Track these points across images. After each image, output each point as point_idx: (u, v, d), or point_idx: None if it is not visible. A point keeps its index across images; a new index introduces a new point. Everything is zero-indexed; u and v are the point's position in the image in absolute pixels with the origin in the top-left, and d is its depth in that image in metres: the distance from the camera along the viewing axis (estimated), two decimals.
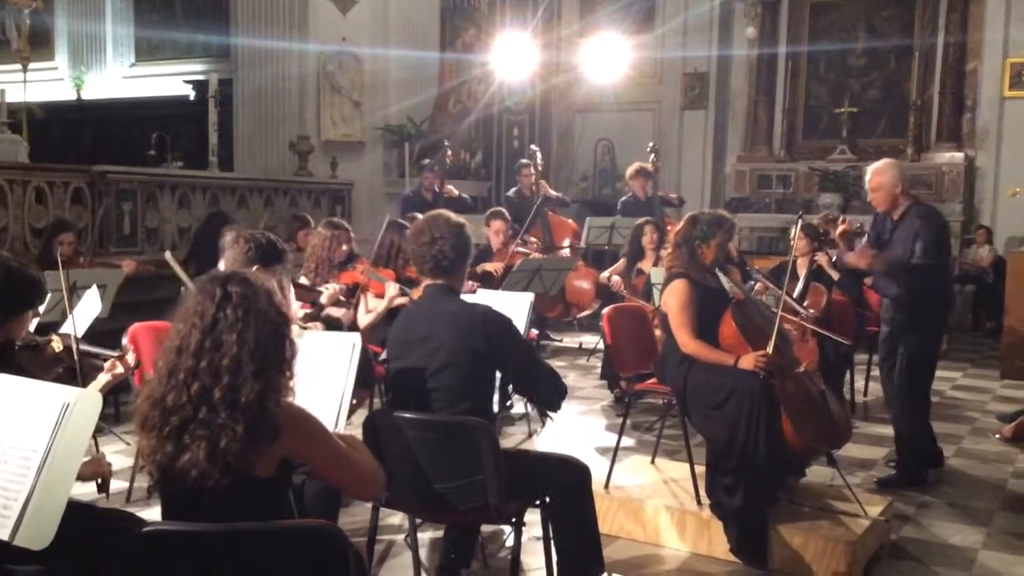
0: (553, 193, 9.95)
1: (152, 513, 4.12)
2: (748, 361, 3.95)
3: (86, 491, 4.66)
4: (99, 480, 2.82)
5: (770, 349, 3.95)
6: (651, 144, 10.02)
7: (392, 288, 5.17)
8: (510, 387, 4.83)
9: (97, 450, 4.03)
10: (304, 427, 2.30)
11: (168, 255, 5.22)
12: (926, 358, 5.05)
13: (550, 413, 6.28)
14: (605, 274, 7.25)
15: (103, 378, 2.98)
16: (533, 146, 10.70)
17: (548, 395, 3.49)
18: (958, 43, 11.81)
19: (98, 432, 4.30)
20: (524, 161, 9.98)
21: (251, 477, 2.17)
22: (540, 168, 9.87)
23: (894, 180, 4.92)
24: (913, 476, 5.07)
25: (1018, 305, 8.16)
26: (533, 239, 8.67)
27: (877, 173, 4.98)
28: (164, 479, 2.23)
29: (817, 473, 4.80)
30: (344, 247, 5.58)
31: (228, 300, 2.22)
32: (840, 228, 5.59)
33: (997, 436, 6.05)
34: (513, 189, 9.92)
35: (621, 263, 7.30)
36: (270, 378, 2.21)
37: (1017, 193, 11.63)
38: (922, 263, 4.80)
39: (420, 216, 6.92)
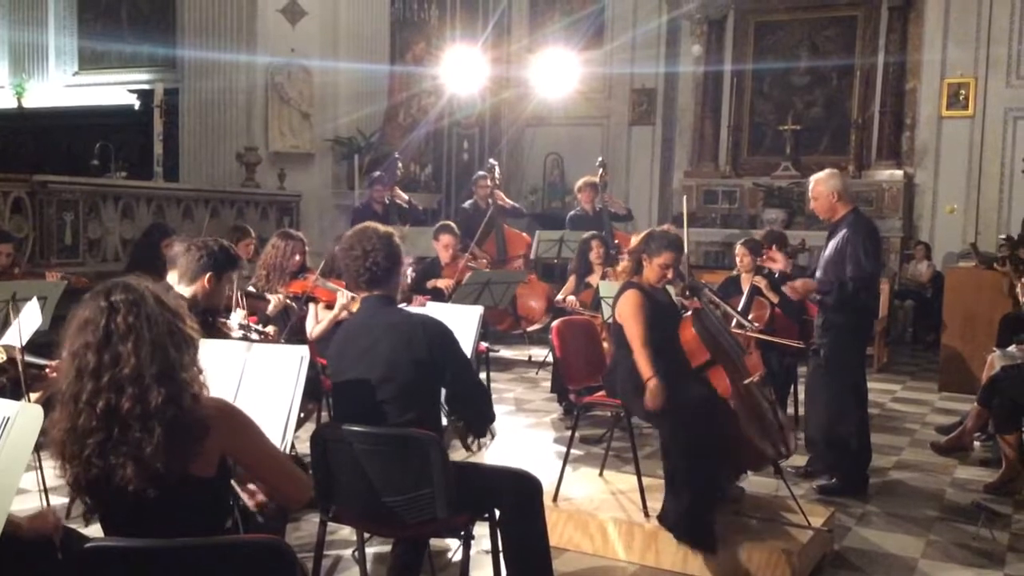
0: (508, 203, 9.99)
1: (93, 529, 4.04)
2: (652, 393, 4.01)
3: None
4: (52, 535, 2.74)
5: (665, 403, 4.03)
6: (599, 159, 10.13)
7: (344, 296, 5.16)
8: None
9: (46, 499, 3.91)
10: (232, 420, 2.28)
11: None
12: (855, 364, 5.22)
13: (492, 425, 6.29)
14: (560, 297, 7.27)
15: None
16: (492, 160, 10.73)
17: (477, 418, 3.49)
18: (898, 63, 12.11)
19: (38, 448, 4.21)
20: (481, 173, 10.01)
21: (191, 476, 2.14)
22: (498, 181, 9.91)
23: (831, 190, 5.15)
24: (856, 481, 5.19)
25: (955, 320, 8.36)
26: (484, 253, 8.69)
27: (818, 183, 5.23)
28: (98, 502, 2.19)
29: (762, 484, 4.87)
30: (297, 257, 5.61)
31: (115, 310, 2.16)
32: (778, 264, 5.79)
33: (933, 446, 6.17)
34: (469, 201, 9.94)
35: (571, 281, 7.33)
36: (176, 378, 2.16)
37: (954, 210, 11.98)
38: (855, 276, 5.00)
39: None
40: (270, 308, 5.09)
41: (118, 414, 2.10)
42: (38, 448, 4.06)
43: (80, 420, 2.13)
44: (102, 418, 2.11)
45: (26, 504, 4.47)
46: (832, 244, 5.14)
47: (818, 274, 5.26)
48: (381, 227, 3.39)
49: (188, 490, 2.15)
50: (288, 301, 5.23)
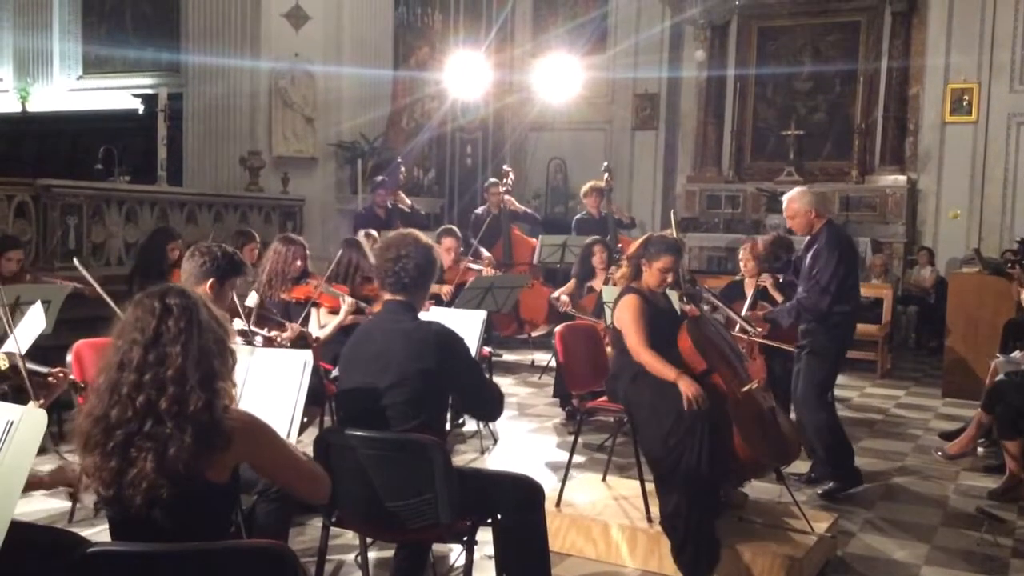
0: (520, 208, 10.01)
1: (96, 532, 4.04)
2: (686, 385, 3.98)
3: (54, 506, 4.57)
4: (70, 491, 2.76)
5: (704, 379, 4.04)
6: (605, 163, 10.16)
7: (348, 303, 5.14)
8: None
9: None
10: (255, 434, 2.31)
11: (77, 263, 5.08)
12: (824, 371, 5.27)
13: (494, 429, 6.31)
14: (555, 294, 7.29)
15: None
16: (506, 166, 10.75)
17: (488, 412, 3.79)
18: (901, 68, 12.12)
19: (41, 452, 4.21)
20: (492, 180, 10.04)
21: (206, 482, 2.18)
22: (511, 186, 9.94)
23: (807, 207, 5.23)
24: (851, 477, 5.22)
25: (959, 325, 8.35)
26: (487, 255, 8.69)
27: (792, 201, 5.29)
28: (110, 496, 2.20)
29: (765, 490, 4.86)
30: (299, 262, 5.56)
31: (169, 312, 2.21)
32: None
33: (939, 454, 6.17)
34: (482, 207, 9.96)
35: (571, 283, 7.34)
36: (215, 387, 2.21)
37: (958, 215, 11.98)
38: (816, 294, 5.08)
39: (373, 232, 6.89)
40: (286, 335, 4.99)
41: (155, 410, 2.14)
42: (40, 453, 4.07)
43: (114, 411, 2.16)
44: (138, 412, 2.15)
45: (29, 507, 4.48)
46: (809, 257, 5.22)
47: (800, 288, 5.30)
48: (424, 237, 3.39)
49: (199, 494, 2.17)
50: (303, 329, 5.16)
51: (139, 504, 2.14)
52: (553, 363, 7.47)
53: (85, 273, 4.58)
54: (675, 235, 4.79)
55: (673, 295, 4.42)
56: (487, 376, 3.93)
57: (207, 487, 2.19)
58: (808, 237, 5.30)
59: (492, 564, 3.40)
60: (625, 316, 4.22)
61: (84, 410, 2.24)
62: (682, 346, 4.15)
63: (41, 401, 3.12)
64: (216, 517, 2.28)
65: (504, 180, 9.86)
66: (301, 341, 4.95)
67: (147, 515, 2.15)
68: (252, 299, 5.28)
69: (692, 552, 3.87)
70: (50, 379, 3.29)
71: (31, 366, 3.24)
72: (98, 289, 4.22)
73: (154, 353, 2.18)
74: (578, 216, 9.60)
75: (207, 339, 2.23)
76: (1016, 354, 6.18)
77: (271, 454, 2.37)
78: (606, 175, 9.68)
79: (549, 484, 4.11)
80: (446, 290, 7.23)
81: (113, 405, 2.17)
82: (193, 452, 2.13)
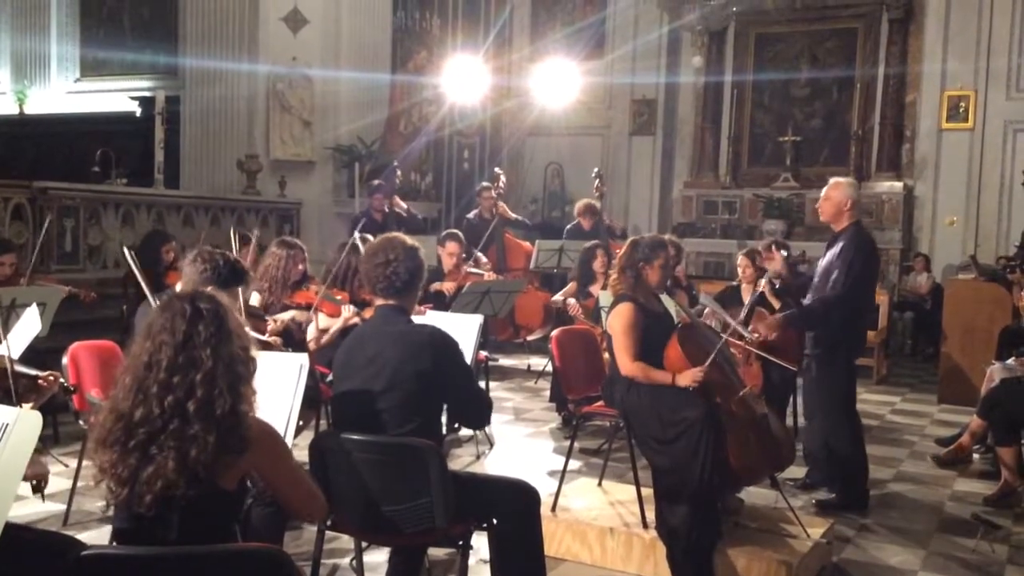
0: (512, 216, 10.01)
1: (90, 536, 4.03)
2: (686, 378, 3.99)
3: (49, 509, 4.55)
4: (34, 481, 2.77)
5: (707, 365, 4.00)
6: (596, 170, 10.15)
7: (348, 309, 5.13)
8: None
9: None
10: (271, 444, 2.35)
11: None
12: (846, 381, 5.21)
13: (490, 434, 6.31)
14: (558, 297, 7.26)
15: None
16: (497, 169, 10.73)
17: (476, 419, 3.76)
18: (898, 75, 12.14)
19: (36, 454, 4.19)
20: (485, 184, 10.03)
21: (216, 488, 2.19)
22: (502, 190, 9.92)
23: (845, 197, 5.13)
24: (858, 498, 5.17)
25: (955, 331, 8.36)
26: (486, 260, 8.69)
27: (835, 186, 5.20)
28: (122, 494, 2.21)
29: (761, 495, 4.86)
30: (299, 267, 5.53)
31: (200, 316, 2.24)
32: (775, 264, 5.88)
33: (934, 459, 6.16)
34: (473, 212, 9.95)
35: (572, 286, 7.32)
36: (241, 392, 2.24)
37: (954, 222, 12.00)
38: (835, 295, 5.00)
39: (371, 237, 6.88)
40: (267, 332, 4.96)
41: (183, 411, 2.17)
42: (35, 455, 4.05)
43: (139, 410, 2.18)
44: (165, 412, 2.17)
45: (24, 510, 4.47)
46: (830, 255, 5.14)
47: (815, 281, 5.26)
48: (409, 239, 3.42)
49: (209, 500, 2.19)
50: (288, 321, 5.15)
51: (148, 502, 2.14)
52: (549, 368, 7.47)
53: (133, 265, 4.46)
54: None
55: (667, 300, 4.40)
56: (478, 386, 3.93)
57: (217, 493, 2.20)
58: (832, 233, 5.23)
59: (487, 569, 3.39)
60: (616, 325, 4.19)
61: (106, 406, 2.26)
62: (672, 355, 4.12)
63: (31, 404, 3.11)
64: (221, 525, 2.28)
65: (496, 184, 9.86)
66: (287, 335, 4.96)
67: (154, 520, 2.15)
68: (255, 299, 5.28)
69: (689, 563, 3.87)
70: (40, 382, 3.29)
71: (22, 368, 3.24)
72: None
73: (184, 355, 2.20)
74: (569, 226, 9.61)
75: (235, 345, 2.27)
76: (1012, 361, 6.19)
77: (280, 466, 2.40)
78: (596, 181, 9.68)
79: (545, 489, 4.11)
80: (448, 286, 7.22)
81: (138, 404, 2.19)
82: (214, 455, 2.15)
